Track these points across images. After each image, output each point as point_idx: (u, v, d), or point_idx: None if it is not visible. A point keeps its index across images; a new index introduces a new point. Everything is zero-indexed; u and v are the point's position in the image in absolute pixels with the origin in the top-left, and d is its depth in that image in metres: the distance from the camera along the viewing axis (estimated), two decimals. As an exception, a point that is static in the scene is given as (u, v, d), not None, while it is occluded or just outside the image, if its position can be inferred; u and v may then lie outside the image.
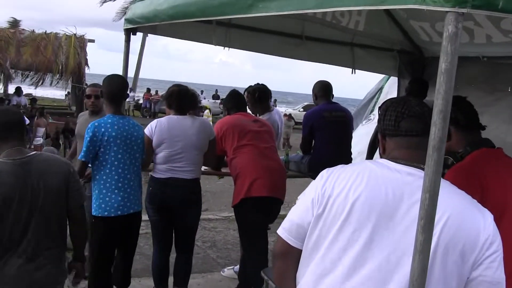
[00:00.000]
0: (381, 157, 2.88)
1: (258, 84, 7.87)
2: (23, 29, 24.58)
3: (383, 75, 10.65)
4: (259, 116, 7.48)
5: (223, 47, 6.72)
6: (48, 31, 23.69)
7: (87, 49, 24.15)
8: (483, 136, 3.99)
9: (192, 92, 6.53)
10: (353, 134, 7.98)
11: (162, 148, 6.10)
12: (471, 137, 3.88)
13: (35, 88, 26.75)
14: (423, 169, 2.50)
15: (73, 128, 12.55)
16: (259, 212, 6.25)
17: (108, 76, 5.97)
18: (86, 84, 18.46)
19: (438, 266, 2.46)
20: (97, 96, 6.85)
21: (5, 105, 21.15)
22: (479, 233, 2.48)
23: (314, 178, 2.89)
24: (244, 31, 6.79)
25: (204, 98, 46.67)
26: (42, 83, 24.85)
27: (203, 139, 6.30)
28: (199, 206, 6.45)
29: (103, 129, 5.55)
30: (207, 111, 31.65)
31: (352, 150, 7.77)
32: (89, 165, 5.73)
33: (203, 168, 6.71)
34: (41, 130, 18.41)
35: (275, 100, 44.40)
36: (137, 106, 43.67)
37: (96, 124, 5.58)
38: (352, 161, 7.21)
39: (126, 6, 25.59)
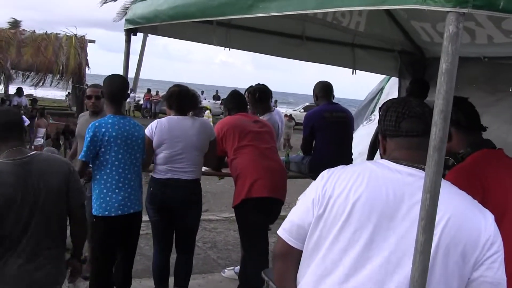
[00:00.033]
0: (381, 157, 2.88)
1: (258, 84, 7.87)
2: (23, 30, 24.56)
3: (384, 76, 10.65)
4: (259, 116, 7.46)
5: (223, 48, 6.71)
6: (48, 32, 23.69)
7: (88, 50, 24.18)
8: (485, 137, 3.98)
9: (192, 93, 6.51)
10: (354, 135, 7.98)
11: (163, 148, 6.09)
12: (472, 138, 3.87)
13: (35, 89, 26.72)
14: (423, 169, 2.50)
15: (73, 129, 12.54)
16: (259, 213, 6.24)
17: (109, 76, 5.96)
18: (87, 85, 18.44)
19: (439, 267, 2.46)
20: (98, 97, 6.86)
21: (6, 105, 21.20)
22: (480, 234, 2.48)
23: (314, 179, 2.89)
24: (244, 32, 6.78)
25: (205, 99, 46.63)
26: (42, 83, 24.84)
27: (204, 139, 6.30)
28: (199, 207, 6.44)
29: (103, 129, 5.54)
30: (207, 111, 31.62)
31: (353, 150, 7.76)
32: (90, 165, 5.71)
33: (204, 168, 6.70)
34: (42, 131, 18.41)
35: (276, 101, 44.42)
36: (138, 107, 43.64)
37: (97, 124, 5.58)
38: (353, 162, 7.20)
39: (127, 6, 25.57)
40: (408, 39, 7.52)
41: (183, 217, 6.24)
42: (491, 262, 2.47)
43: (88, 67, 23.83)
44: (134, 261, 6.26)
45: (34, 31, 23.56)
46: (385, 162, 2.75)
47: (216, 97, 50.98)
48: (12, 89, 30.07)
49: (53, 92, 38.80)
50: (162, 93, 38.16)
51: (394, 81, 9.06)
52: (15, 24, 31.84)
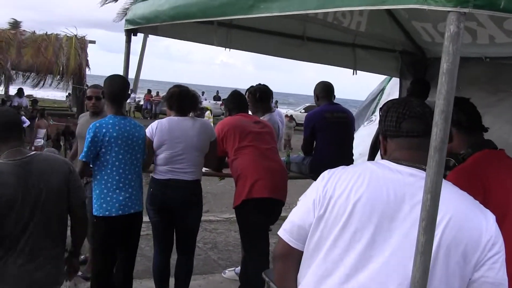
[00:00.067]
0: (382, 158, 2.88)
1: (259, 84, 7.86)
2: (24, 30, 24.43)
3: (385, 76, 10.64)
4: (260, 117, 7.45)
5: (224, 48, 6.70)
6: (49, 32, 23.64)
7: (88, 50, 24.04)
8: (486, 137, 3.98)
9: (192, 93, 6.49)
10: (355, 135, 7.97)
11: (163, 149, 6.08)
12: (473, 138, 3.88)
13: (35, 89, 26.67)
14: (424, 170, 2.50)
15: (73, 130, 12.53)
16: (260, 214, 6.23)
17: (109, 76, 5.96)
18: (87, 85, 18.43)
19: (440, 267, 2.46)
20: (98, 98, 6.87)
21: (6, 106, 21.19)
22: (481, 234, 2.48)
23: (315, 179, 2.89)
24: (245, 32, 6.77)
25: (205, 99, 46.62)
26: (43, 84, 24.80)
27: (204, 140, 6.29)
28: (199, 208, 6.42)
29: (104, 130, 5.54)
30: (208, 112, 31.62)
31: (354, 151, 7.75)
32: (90, 165, 5.71)
33: (204, 169, 6.69)
34: (42, 132, 18.38)
35: (277, 102, 44.38)
36: (138, 107, 43.60)
37: (98, 124, 5.57)
38: (354, 163, 7.19)
39: (127, 7, 25.55)
40: (409, 39, 7.51)
41: (184, 218, 6.22)
42: (492, 262, 2.47)
43: (89, 67, 23.75)
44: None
45: (34, 32, 23.46)
46: (386, 162, 2.75)
47: (216, 98, 50.94)
48: (13, 90, 30.04)
49: (54, 93, 38.78)
50: (162, 93, 38.16)
51: (395, 81, 9.06)
52: (15, 24, 31.76)
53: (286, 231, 2.85)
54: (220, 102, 42.29)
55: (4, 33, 22.91)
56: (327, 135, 7.32)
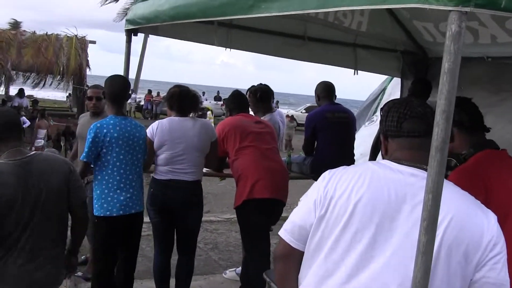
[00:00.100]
0: (383, 158, 2.87)
1: (260, 84, 7.85)
2: (24, 31, 24.32)
3: (386, 76, 10.62)
4: (260, 116, 7.44)
5: (224, 48, 6.68)
6: (49, 33, 23.61)
7: (88, 51, 23.96)
8: (488, 137, 3.97)
9: (193, 93, 6.48)
10: (356, 136, 7.95)
11: (163, 150, 6.07)
12: (475, 138, 3.87)
13: (36, 90, 26.64)
14: (425, 170, 2.50)
15: (74, 130, 12.53)
16: (261, 214, 6.23)
17: (110, 76, 5.95)
18: (87, 86, 18.42)
19: (441, 267, 2.46)
20: (99, 98, 6.87)
21: (7, 106, 21.20)
22: (483, 234, 2.47)
23: (316, 180, 2.89)
24: (245, 32, 6.76)
25: (206, 100, 46.61)
26: (43, 84, 24.78)
27: (205, 140, 6.28)
28: (200, 208, 6.40)
29: (105, 130, 5.53)
30: (209, 112, 31.60)
31: (355, 151, 7.73)
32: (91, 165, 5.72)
33: (205, 169, 6.68)
34: (42, 132, 18.38)
35: (277, 102, 44.34)
36: (139, 108, 43.59)
37: (98, 125, 5.57)
38: (355, 163, 7.18)
39: (127, 7, 25.54)
40: (410, 39, 7.50)
41: (184, 218, 6.21)
42: (493, 263, 2.46)
43: (89, 68, 23.65)
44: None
45: (34, 32, 23.38)
46: (387, 162, 2.74)
47: (217, 98, 50.93)
48: (13, 91, 30.02)
49: (54, 93, 38.75)
50: (163, 94, 38.22)
51: (397, 81, 9.05)
52: (15, 25, 31.73)
53: (287, 232, 2.84)
54: (221, 102, 42.30)
55: (4, 33, 22.85)
56: (328, 135, 7.30)
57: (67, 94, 35.83)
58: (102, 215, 5.64)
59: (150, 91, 45.95)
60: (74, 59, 22.72)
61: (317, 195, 2.74)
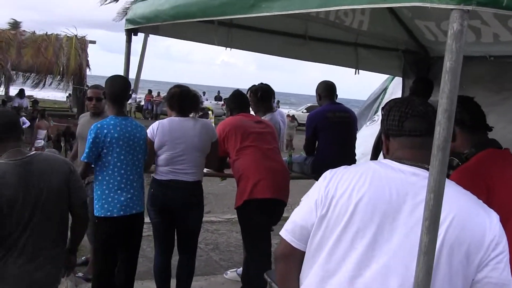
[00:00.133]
0: (384, 157, 2.86)
1: (261, 83, 7.83)
2: (23, 31, 24.32)
3: (388, 76, 10.60)
4: (261, 116, 7.43)
5: (225, 48, 6.67)
6: (49, 33, 23.61)
7: (88, 51, 23.97)
8: (490, 137, 3.96)
9: (193, 93, 6.47)
10: (357, 135, 7.94)
11: (164, 150, 6.06)
12: (477, 137, 3.86)
13: (36, 90, 26.62)
14: (427, 169, 2.49)
15: (74, 131, 12.53)
16: (262, 214, 6.22)
17: (111, 77, 5.96)
18: (87, 86, 18.41)
19: (443, 267, 2.44)
20: (99, 99, 6.88)
21: (7, 107, 21.22)
22: (485, 234, 2.46)
23: (317, 180, 2.87)
24: (246, 31, 6.74)
25: (207, 100, 46.61)
26: (43, 85, 24.78)
27: (205, 141, 6.27)
28: (200, 208, 6.40)
29: (105, 131, 5.53)
30: (210, 112, 31.59)
31: (356, 151, 7.72)
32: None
33: (205, 169, 6.67)
34: (42, 133, 18.38)
35: (278, 102, 44.33)
36: (139, 108, 43.56)
37: (99, 125, 5.56)
38: (356, 163, 7.16)
39: (127, 6, 25.49)
40: (412, 38, 7.49)
41: (184, 219, 6.20)
42: (496, 262, 2.44)
43: (89, 68, 23.65)
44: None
45: (34, 32, 23.37)
46: (388, 161, 2.73)
47: (218, 98, 50.93)
48: (14, 91, 30.01)
49: (54, 94, 38.74)
50: (163, 94, 38.17)
51: (398, 80, 9.02)
52: (15, 25, 31.71)
53: (288, 231, 2.84)
54: (222, 102, 42.30)
55: (4, 33, 22.86)
56: (329, 135, 7.29)
57: (67, 95, 35.84)
58: (102, 215, 5.64)
59: (150, 91, 45.97)
60: (74, 59, 22.72)
61: (318, 194, 2.73)
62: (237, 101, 6.96)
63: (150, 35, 7.57)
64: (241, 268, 7.37)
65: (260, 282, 5.13)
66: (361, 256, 2.55)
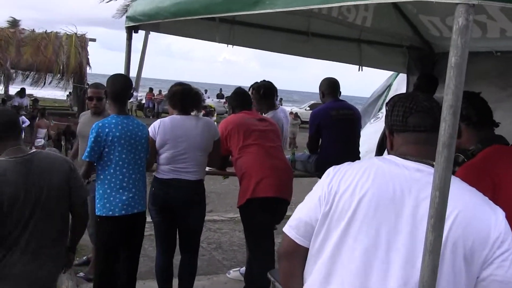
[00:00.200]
0: (389, 153, 2.85)
1: (263, 81, 7.81)
2: (23, 29, 24.29)
3: (392, 72, 10.59)
4: (263, 114, 7.42)
5: (226, 45, 6.65)
6: (48, 31, 23.59)
7: (88, 49, 23.98)
8: (497, 132, 3.94)
9: (195, 91, 6.47)
10: (361, 133, 7.90)
11: (166, 148, 6.04)
12: (483, 133, 3.84)
13: (36, 89, 26.61)
14: (432, 165, 2.49)
15: (74, 130, 12.54)
16: (265, 213, 6.20)
17: (112, 75, 5.95)
18: (88, 84, 18.40)
19: (447, 264, 2.41)
20: (99, 98, 6.90)
21: (7, 105, 21.24)
22: (490, 231, 2.43)
23: (321, 178, 2.86)
24: (248, 28, 6.73)
25: (208, 97, 46.64)
26: (43, 83, 24.78)
27: (208, 139, 6.25)
28: (202, 207, 6.37)
29: (107, 129, 5.52)
30: (211, 110, 31.66)
31: (360, 148, 7.68)
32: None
33: (208, 168, 6.65)
34: (42, 131, 18.40)
35: (281, 99, 44.31)
36: (140, 106, 43.57)
37: (100, 124, 5.56)
38: (360, 160, 7.13)
39: (127, 3, 25.50)
40: (416, 34, 7.46)
41: (186, 218, 6.19)
42: (501, 260, 2.41)
43: (89, 66, 23.64)
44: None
45: (33, 30, 23.35)
46: (392, 157, 2.72)
47: (220, 96, 50.97)
48: (13, 90, 30.00)
49: (54, 92, 38.67)
50: (164, 92, 38.19)
51: (402, 77, 9.01)
52: (14, 23, 31.69)
53: (292, 228, 2.83)
54: (224, 100, 42.32)
55: (3, 31, 22.85)
56: (332, 133, 7.25)
57: (67, 93, 35.82)
58: (104, 214, 5.64)
59: (151, 89, 46.02)
60: (74, 57, 22.73)
61: (322, 191, 2.73)
62: (239, 99, 6.92)
63: (150, 33, 7.60)
64: (244, 268, 7.37)
65: (263, 281, 5.13)
66: (364, 253, 2.53)
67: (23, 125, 16.63)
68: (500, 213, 2.51)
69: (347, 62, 7.86)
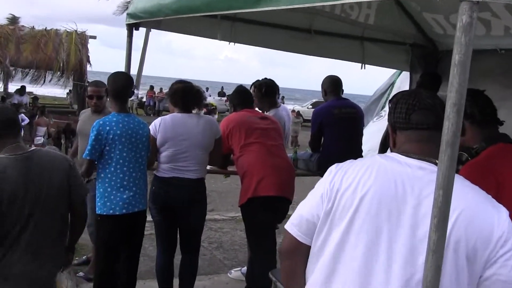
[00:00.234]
0: (391, 151, 2.83)
1: (265, 78, 7.79)
2: (22, 26, 24.17)
3: (394, 70, 10.57)
4: (265, 112, 7.40)
5: (228, 42, 6.64)
6: (48, 28, 23.55)
7: (89, 46, 23.96)
8: (501, 130, 3.93)
9: (197, 89, 6.45)
10: (364, 131, 7.88)
11: (166, 147, 6.01)
12: (487, 131, 3.83)
13: (36, 86, 26.61)
14: (434, 163, 2.49)
15: (74, 128, 12.55)
16: (266, 212, 6.16)
17: (113, 73, 5.96)
18: (88, 82, 18.37)
19: (449, 263, 2.40)
20: (99, 97, 6.86)
21: (6, 103, 21.25)
22: (493, 230, 2.40)
23: (323, 176, 2.84)
24: (249, 26, 6.73)
25: (209, 95, 46.66)
26: (43, 81, 24.77)
27: (209, 137, 6.22)
28: (203, 206, 6.35)
29: (108, 127, 5.52)
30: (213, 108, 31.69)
31: (363, 147, 7.66)
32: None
33: (209, 167, 6.62)
34: (42, 130, 18.43)
35: (283, 97, 44.44)
36: (141, 104, 43.55)
37: (101, 122, 5.57)
38: (363, 159, 7.09)
39: (128, 0, 25.47)
40: (420, 32, 7.45)
41: (186, 217, 6.17)
42: (505, 259, 2.38)
43: (89, 63, 23.59)
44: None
45: (33, 27, 23.26)
46: (395, 155, 2.71)
47: (221, 94, 51.01)
48: (13, 87, 29.96)
49: (54, 90, 38.72)
50: (165, 90, 38.20)
51: (405, 75, 8.99)
52: (13, 20, 31.59)
53: (294, 225, 2.82)
54: (225, 98, 42.35)
55: (3, 28, 22.80)
56: (335, 131, 7.21)
57: (67, 91, 35.81)
58: (105, 213, 5.64)
59: (152, 87, 46.04)
60: (74, 54, 22.70)
61: (324, 189, 2.72)
62: (240, 97, 6.90)
63: (151, 30, 7.64)
64: (245, 267, 7.35)
65: (265, 281, 5.13)
66: (366, 251, 2.53)
67: (22, 123, 16.64)
68: (503, 212, 2.49)
69: (350, 60, 7.86)
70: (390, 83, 11.24)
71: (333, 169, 2.78)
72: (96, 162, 5.65)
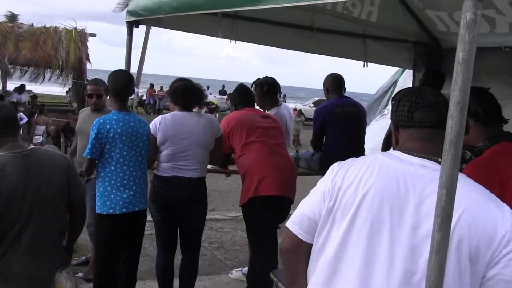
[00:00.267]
0: (394, 149, 2.81)
1: (266, 77, 7.77)
2: (21, 23, 24.02)
3: (397, 68, 10.57)
4: (267, 110, 7.38)
5: (229, 40, 6.63)
6: (47, 25, 23.47)
7: (88, 44, 23.89)
8: (506, 129, 3.89)
9: (197, 87, 6.43)
10: (366, 130, 7.86)
11: (167, 145, 5.99)
12: (491, 130, 3.80)
13: (35, 85, 26.60)
14: (437, 161, 2.49)
15: (73, 127, 12.55)
16: (268, 211, 6.14)
17: (113, 71, 5.95)
18: (88, 80, 18.35)
19: (452, 262, 2.36)
20: (99, 96, 6.87)
21: (5, 101, 21.26)
22: (496, 229, 2.38)
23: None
24: (251, 23, 6.72)
25: (211, 94, 46.70)
26: (42, 79, 24.75)
27: (210, 136, 6.19)
28: (203, 205, 6.32)
29: (108, 126, 5.51)
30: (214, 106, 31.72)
31: (365, 146, 7.64)
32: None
33: (209, 166, 6.60)
34: (41, 128, 18.44)
35: (285, 96, 44.43)
36: (141, 103, 43.62)
37: (101, 121, 5.55)
38: (365, 158, 7.07)
39: (129, -3, 25.40)
40: (423, 29, 7.44)
41: (186, 216, 6.14)
42: (508, 259, 2.35)
43: (89, 61, 23.53)
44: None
45: (32, 25, 23.16)
46: (397, 153, 2.69)
47: (222, 92, 51.08)
48: (13, 85, 29.95)
49: (53, 88, 38.77)
50: (166, 88, 38.25)
51: (408, 73, 9.02)
52: (12, 17, 31.55)
53: (295, 223, 2.82)
54: (226, 97, 42.39)
55: (1, 26, 22.71)
56: (337, 130, 7.20)
57: (67, 89, 35.82)
58: (105, 212, 5.63)
59: (152, 86, 46.06)
60: (74, 52, 22.67)
61: (325, 186, 2.71)
62: (241, 95, 6.87)
63: (152, 27, 7.61)
64: (246, 268, 7.31)
65: (266, 281, 5.11)
66: (367, 250, 2.51)
67: (21, 122, 16.63)
68: (507, 211, 2.46)
69: (352, 57, 7.85)
70: (393, 82, 11.24)
71: (335, 167, 2.77)
72: (96, 161, 5.63)
